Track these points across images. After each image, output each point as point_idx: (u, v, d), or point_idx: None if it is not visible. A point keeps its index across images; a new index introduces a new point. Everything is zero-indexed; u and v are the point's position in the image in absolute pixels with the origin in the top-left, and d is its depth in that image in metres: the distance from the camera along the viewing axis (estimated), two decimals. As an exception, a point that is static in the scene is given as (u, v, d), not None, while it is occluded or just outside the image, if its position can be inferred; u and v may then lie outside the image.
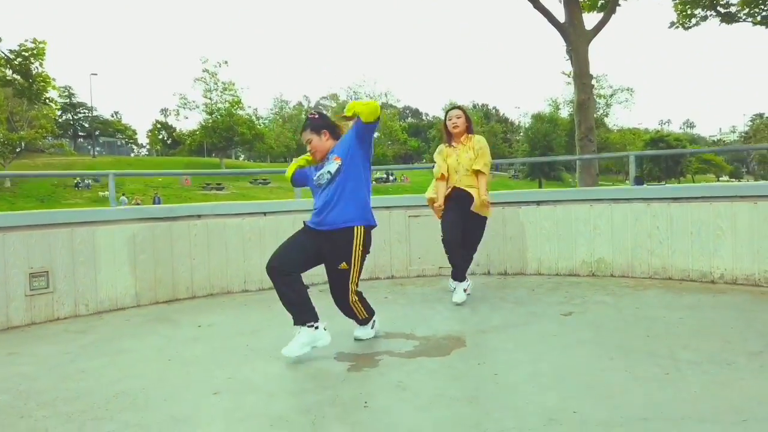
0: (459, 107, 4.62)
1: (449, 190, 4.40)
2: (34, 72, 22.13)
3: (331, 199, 3.17)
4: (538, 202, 5.38)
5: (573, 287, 4.73)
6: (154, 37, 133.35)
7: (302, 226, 3.33)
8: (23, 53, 20.94)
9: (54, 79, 28.65)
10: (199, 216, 5.05)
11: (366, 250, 3.24)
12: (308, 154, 3.32)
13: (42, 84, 22.17)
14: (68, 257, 4.37)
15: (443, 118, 4.63)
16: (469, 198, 4.33)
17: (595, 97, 8.22)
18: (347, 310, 3.33)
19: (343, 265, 3.18)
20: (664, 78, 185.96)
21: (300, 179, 3.46)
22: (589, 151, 8.19)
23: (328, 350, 3.17)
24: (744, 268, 4.55)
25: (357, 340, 3.39)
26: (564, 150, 49.77)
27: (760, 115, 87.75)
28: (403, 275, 5.58)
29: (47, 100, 23.95)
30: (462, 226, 4.40)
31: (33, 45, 21.23)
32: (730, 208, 4.57)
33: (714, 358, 2.80)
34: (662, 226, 4.89)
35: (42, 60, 21.93)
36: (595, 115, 8.08)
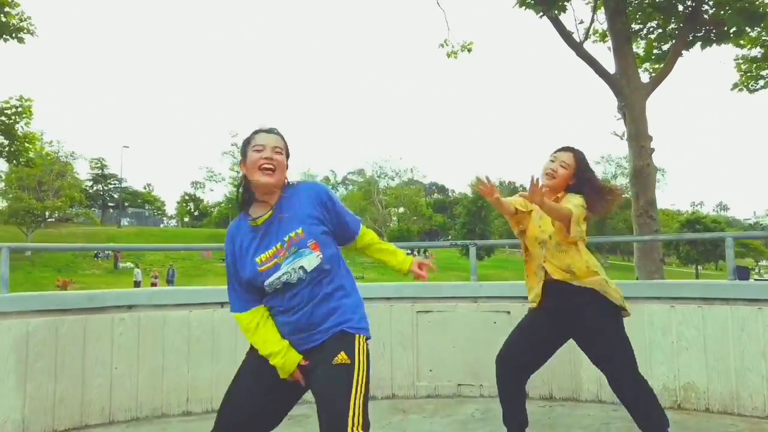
0: (570, 149, 2.86)
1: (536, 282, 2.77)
2: (19, 131, 21.76)
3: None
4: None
5: (657, 432, 3.16)
6: (189, 110, 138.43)
7: None
8: (5, 111, 20.66)
9: (41, 137, 28.27)
10: (129, 307, 3.70)
11: None
12: None
13: (24, 144, 21.73)
14: None
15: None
16: (574, 303, 2.70)
17: (654, 164, 6.84)
18: None
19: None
20: (693, 156, 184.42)
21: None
22: (650, 231, 6.73)
23: None
24: None
25: None
26: (598, 231, 47.07)
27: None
28: (407, 395, 4.07)
29: (29, 162, 23.43)
30: (539, 347, 2.85)
31: (18, 102, 20.98)
32: None
33: None
34: (785, 342, 3.36)
35: (29, 119, 21.62)
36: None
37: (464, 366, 4.01)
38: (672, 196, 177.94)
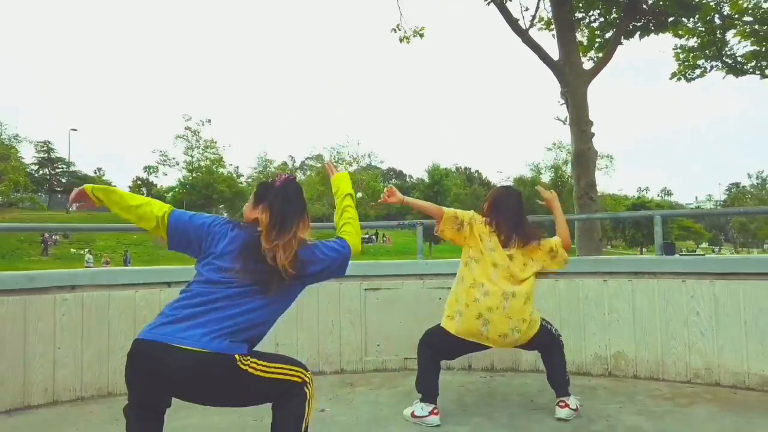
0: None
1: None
2: None
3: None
4: (534, 274, 4.08)
5: (588, 396, 3.37)
6: (141, 94, 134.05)
7: None
8: None
9: None
10: (72, 287, 3.66)
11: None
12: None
13: None
14: None
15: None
16: None
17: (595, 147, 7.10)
18: None
19: None
20: (639, 142, 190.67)
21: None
22: (591, 211, 7.02)
23: None
24: (826, 374, 3.26)
25: None
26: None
27: (737, 185, 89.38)
28: (355, 369, 4.18)
29: None
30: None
31: None
32: (803, 289, 3.32)
33: None
34: (704, 312, 3.61)
35: None
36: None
37: (410, 341, 4.09)
38: (619, 182, 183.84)
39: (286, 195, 2.14)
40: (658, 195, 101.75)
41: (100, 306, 3.68)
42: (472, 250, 3.03)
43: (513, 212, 3.07)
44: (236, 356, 1.86)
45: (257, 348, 2.02)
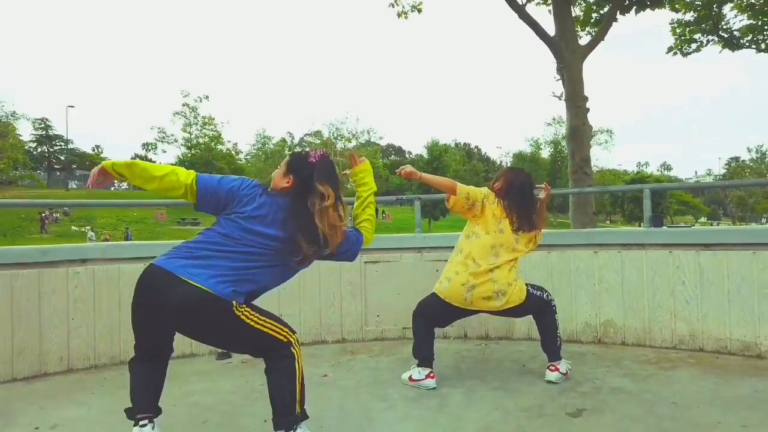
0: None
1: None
2: None
3: None
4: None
5: (577, 361, 3.54)
6: (138, 71, 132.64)
7: None
8: None
9: None
10: (83, 261, 3.81)
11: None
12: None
13: None
14: None
15: None
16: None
17: (590, 123, 7.21)
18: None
19: None
20: (640, 116, 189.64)
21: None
22: (585, 185, 7.16)
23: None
24: (802, 339, 3.43)
25: None
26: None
27: (736, 159, 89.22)
28: (356, 338, 4.36)
29: None
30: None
31: None
32: (783, 258, 3.48)
33: None
34: (690, 281, 3.77)
35: None
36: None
37: (408, 311, 4.24)
38: (619, 156, 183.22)
39: (328, 172, 2.26)
40: (657, 170, 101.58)
41: (110, 279, 3.84)
42: (478, 227, 3.16)
43: (527, 198, 3.20)
44: (234, 303, 2.05)
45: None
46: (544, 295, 3.25)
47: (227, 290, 2.05)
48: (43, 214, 37.53)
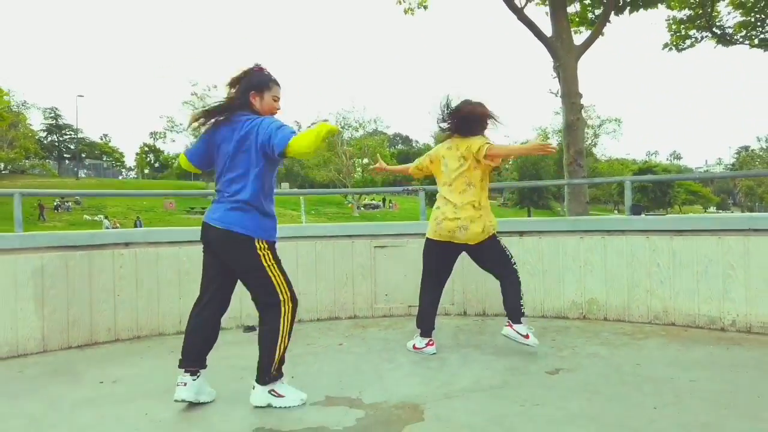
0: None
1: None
2: None
3: None
4: (521, 233, 4.71)
5: (561, 333, 4.03)
6: (146, 58, 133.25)
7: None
8: None
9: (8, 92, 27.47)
10: (126, 244, 4.32)
11: None
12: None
13: None
14: (-45, 293, 3.62)
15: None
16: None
17: (584, 118, 7.64)
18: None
19: None
20: (651, 107, 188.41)
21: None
22: (579, 177, 7.60)
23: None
24: (760, 314, 3.89)
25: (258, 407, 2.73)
26: (553, 179, 49.51)
27: (746, 148, 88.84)
28: (366, 315, 4.86)
29: None
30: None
31: None
32: (744, 242, 3.93)
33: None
34: (663, 263, 4.24)
35: None
36: (585, 143, 7.52)
37: (414, 290, 4.74)
38: (628, 145, 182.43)
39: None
40: (667, 159, 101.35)
41: (150, 260, 4.35)
42: (437, 178, 3.75)
43: (464, 113, 3.57)
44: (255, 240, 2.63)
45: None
46: (510, 256, 3.60)
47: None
48: (41, 203, 38.10)
